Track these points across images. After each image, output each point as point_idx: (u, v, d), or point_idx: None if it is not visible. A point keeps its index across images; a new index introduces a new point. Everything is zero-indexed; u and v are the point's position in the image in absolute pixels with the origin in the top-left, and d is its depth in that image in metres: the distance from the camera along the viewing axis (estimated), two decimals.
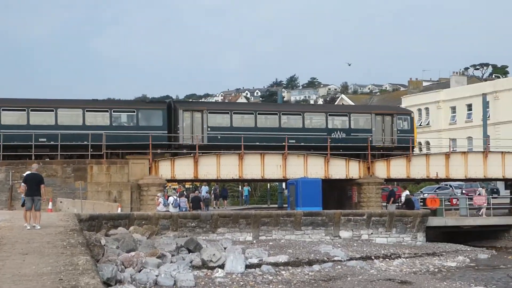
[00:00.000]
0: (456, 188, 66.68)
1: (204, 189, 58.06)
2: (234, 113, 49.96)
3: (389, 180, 53.79)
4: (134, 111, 47.94)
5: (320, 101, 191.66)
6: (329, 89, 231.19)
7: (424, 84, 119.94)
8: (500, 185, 73.16)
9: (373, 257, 36.19)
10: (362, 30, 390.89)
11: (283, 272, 31.10)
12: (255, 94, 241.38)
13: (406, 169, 49.29)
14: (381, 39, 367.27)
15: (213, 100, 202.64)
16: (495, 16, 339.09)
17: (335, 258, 34.67)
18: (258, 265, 31.66)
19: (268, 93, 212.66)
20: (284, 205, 54.54)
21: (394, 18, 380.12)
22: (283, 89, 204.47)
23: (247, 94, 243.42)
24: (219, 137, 48.37)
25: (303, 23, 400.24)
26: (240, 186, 69.56)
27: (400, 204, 47.65)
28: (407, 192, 49.07)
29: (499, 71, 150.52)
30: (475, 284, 27.12)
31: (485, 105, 70.20)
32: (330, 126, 50.98)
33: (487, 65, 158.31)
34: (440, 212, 47.29)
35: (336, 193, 51.32)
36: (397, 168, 49.25)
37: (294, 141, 49.10)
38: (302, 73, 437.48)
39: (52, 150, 44.75)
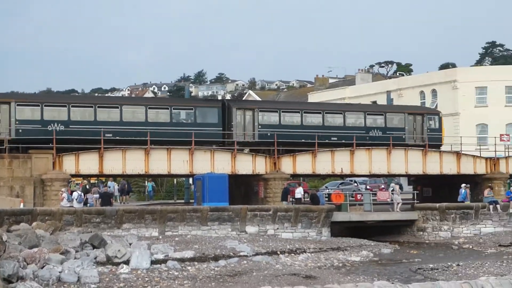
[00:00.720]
0: (360, 184, 67.83)
1: (111, 184, 57.35)
2: (282, 111, 52.03)
3: (295, 176, 54.24)
4: (192, 109, 50.01)
5: (228, 97, 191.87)
6: (237, 84, 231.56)
7: (330, 81, 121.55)
8: (404, 181, 74.73)
9: (278, 252, 36.39)
10: (270, 26, 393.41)
11: (189, 267, 30.95)
12: (162, 89, 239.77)
13: (312, 165, 49.72)
14: (289, 35, 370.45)
15: (120, 95, 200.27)
16: (400, 15, 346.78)
17: (241, 253, 34.70)
18: (164, 261, 31.42)
19: (175, 88, 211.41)
20: (191, 201, 54.33)
21: (301, 15, 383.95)
22: (191, 84, 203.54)
23: (154, 88, 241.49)
24: (268, 134, 50.07)
25: (211, 18, 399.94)
26: (146, 182, 68.93)
27: (294, 200, 47.59)
28: (300, 188, 48.86)
29: (404, 69, 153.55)
30: (378, 278, 27.50)
31: (390, 102, 71.40)
32: (368, 125, 53.68)
33: (391, 63, 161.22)
34: (344, 207, 47.94)
35: (243, 189, 51.43)
36: (303, 164, 49.62)
37: (336, 138, 51.88)
38: (210, 68, 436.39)
39: (117, 143, 46.86)
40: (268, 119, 51.41)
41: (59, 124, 46.16)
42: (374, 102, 79.91)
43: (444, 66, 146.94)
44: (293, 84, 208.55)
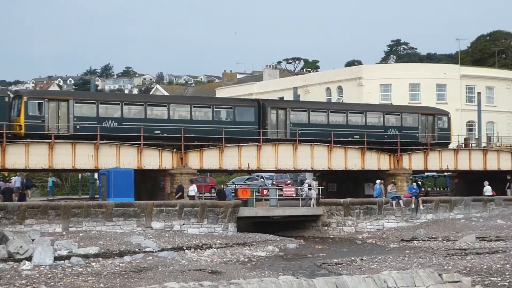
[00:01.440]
0: (267, 179, 68.17)
1: (17, 179, 56.10)
2: (311, 111, 54.76)
3: (202, 171, 54.09)
4: (231, 108, 52.33)
5: (135, 91, 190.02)
6: (144, 79, 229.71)
7: (239, 76, 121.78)
8: (309, 176, 75.48)
9: (184, 248, 36.28)
10: (178, 20, 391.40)
11: (93, 263, 30.52)
12: (68, 82, 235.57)
13: (219, 160, 49.66)
14: (197, 30, 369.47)
15: (25, 87, 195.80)
16: (307, 12, 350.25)
17: (147, 249, 34.44)
18: (68, 257, 30.94)
19: (81, 81, 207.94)
20: (96, 196, 53.53)
21: (209, 9, 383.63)
22: (97, 78, 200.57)
23: (59, 82, 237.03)
24: (299, 132, 52.33)
25: (118, 11, 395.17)
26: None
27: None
28: (194, 186, 47.81)
29: (311, 66, 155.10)
30: (283, 273, 27.67)
31: (296, 98, 72.07)
32: (386, 124, 56.31)
33: (299, 59, 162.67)
34: (251, 202, 48.16)
35: (149, 184, 50.99)
36: (210, 159, 49.49)
37: (358, 137, 54.73)
38: (117, 62, 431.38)
39: (165, 140, 48.93)
40: (299, 118, 54.16)
41: (113, 121, 47.82)
42: (281, 98, 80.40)
43: (350, 64, 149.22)
44: (201, 79, 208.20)
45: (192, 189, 46.01)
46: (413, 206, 48.97)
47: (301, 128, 53.16)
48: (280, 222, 49.34)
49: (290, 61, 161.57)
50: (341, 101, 78.38)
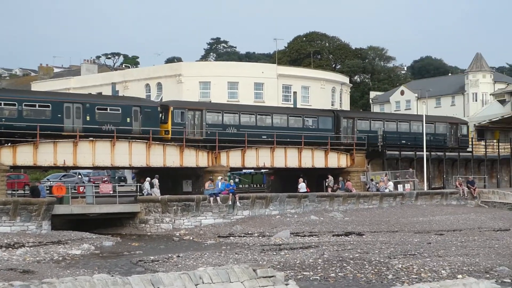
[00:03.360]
0: (84, 176, 66.94)
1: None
2: (372, 120, 68.13)
3: (16, 167, 52.28)
4: (316, 117, 63.96)
5: None
6: None
7: (56, 70, 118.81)
8: (128, 174, 74.89)
9: None
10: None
11: None
12: None
13: (33, 156, 48.05)
14: (11, 21, 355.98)
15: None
16: (125, 6, 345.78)
17: None
18: None
19: None
20: None
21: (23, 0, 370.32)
22: None
23: None
24: (363, 137, 64.17)
25: None
26: None
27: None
28: None
29: (130, 61, 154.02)
30: (98, 271, 27.14)
31: (115, 93, 71.30)
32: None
33: (118, 54, 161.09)
34: (66, 200, 47.02)
35: None
36: (24, 155, 47.82)
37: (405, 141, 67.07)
38: None
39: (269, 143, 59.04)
40: (364, 126, 66.30)
41: (233, 128, 57.95)
42: (100, 93, 79.13)
43: (170, 60, 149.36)
44: (16, 72, 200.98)
45: None
46: (230, 202, 49.56)
47: (365, 134, 65.03)
48: (97, 219, 48.42)
49: (109, 56, 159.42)
50: (160, 99, 78.07)
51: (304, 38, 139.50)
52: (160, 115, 54.88)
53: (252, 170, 71.43)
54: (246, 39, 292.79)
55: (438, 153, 68.63)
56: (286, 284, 20.95)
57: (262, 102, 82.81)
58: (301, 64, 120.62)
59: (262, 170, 70.50)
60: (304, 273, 26.04)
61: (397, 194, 59.34)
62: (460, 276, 24.79)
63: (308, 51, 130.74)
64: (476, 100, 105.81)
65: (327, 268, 26.85)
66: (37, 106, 50.13)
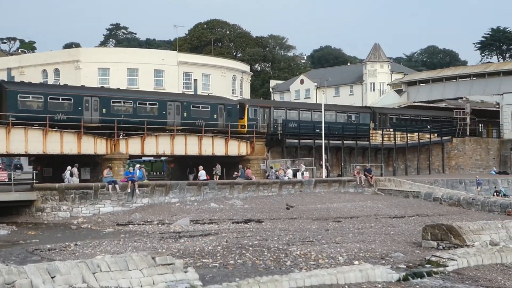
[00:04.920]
0: None
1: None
2: (401, 116, 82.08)
3: None
4: (358, 114, 76.14)
5: None
6: None
7: None
8: (24, 161, 73.16)
9: None
10: None
11: None
12: None
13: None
14: None
15: None
16: None
17: None
18: None
19: None
20: None
21: None
22: None
23: None
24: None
25: None
26: None
27: None
28: None
29: (27, 46, 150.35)
30: None
31: (11, 78, 69.32)
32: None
33: (14, 39, 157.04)
34: None
35: None
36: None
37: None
38: None
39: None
40: (395, 122, 79.84)
41: (293, 123, 67.83)
42: None
43: (68, 46, 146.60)
44: None
45: None
46: (129, 190, 49.07)
47: (397, 127, 77.64)
48: None
49: (5, 40, 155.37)
50: (58, 83, 76.52)
51: (205, 26, 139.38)
52: None
53: (152, 158, 70.94)
54: (147, 25, 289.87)
55: (336, 142, 69.68)
56: (185, 272, 20.89)
57: (162, 89, 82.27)
58: (202, 52, 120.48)
59: (162, 158, 70.13)
60: (203, 260, 26.01)
61: (296, 181, 59.95)
62: (356, 262, 25.24)
63: (209, 38, 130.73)
64: (373, 90, 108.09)
65: (226, 255, 26.90)
66: (147, 104, 59.67)
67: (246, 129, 64.38)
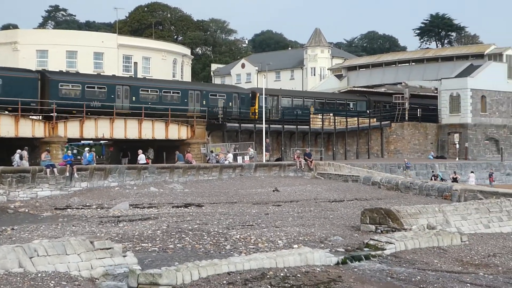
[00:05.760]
0: None
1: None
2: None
3: None
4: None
5: None
6: None
7: None
8: None
9: None
10: None
11: None
12: None
13: None
14: None
15: None
16: None
17: None
18: None
19: None
20: None
21: None
22: None
23: None
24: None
25: None
26: None
27: None
28: None
29: None
30: None
31: None
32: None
33: None
34: None
35: None
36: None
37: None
38: None
39: None
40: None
41: (299, 110, 74.72)
42: None
43: (6, 27, 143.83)
44: None
45: None
46: (67, 174, 48.48)
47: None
48: None
49: None
50: None
51: (146, 8, 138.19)
52: None
53: (91, 141, 70.22)
54: (86, 7, 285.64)
55: (277, 126, 69.93)
56: (124, 256, 20.77)
57: (102, 72, 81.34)
58: (143, 35, 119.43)
59: (101, 142, 69.46)
60: (142, 244, 25.87)
61: (236, 165, 59.99)
62: (296, 246, 25.37)
63: (150, 21, 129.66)
64: (314, 75, 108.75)
65: (165, 240, 26.79)
66: (171, 92, 65.63)
67: (257, 116, 69.48)
